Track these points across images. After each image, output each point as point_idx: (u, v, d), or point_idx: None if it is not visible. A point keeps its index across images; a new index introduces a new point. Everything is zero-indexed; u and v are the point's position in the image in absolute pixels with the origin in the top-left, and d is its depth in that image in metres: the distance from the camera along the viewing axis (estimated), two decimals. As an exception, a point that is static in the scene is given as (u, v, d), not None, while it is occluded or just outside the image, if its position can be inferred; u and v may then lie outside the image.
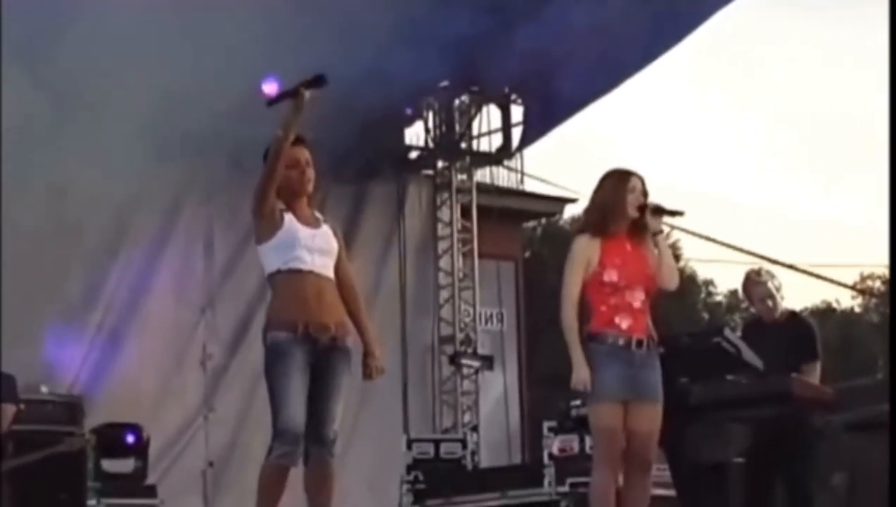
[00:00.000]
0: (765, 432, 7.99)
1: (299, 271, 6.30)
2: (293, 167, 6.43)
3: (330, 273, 6.40)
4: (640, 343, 6.46)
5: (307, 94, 6.23)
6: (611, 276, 6.48)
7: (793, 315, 8.45)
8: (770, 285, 8.32)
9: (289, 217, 6.36)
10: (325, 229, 6.47)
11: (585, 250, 6.54)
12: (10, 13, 10.78)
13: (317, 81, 6.30)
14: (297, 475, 6.24)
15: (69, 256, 12.78)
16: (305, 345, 6.23)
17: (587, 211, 6.84)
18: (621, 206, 6.54)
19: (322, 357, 6.27)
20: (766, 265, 9.05)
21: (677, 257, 30.84)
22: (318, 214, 6.54)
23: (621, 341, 6.44)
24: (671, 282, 6.64)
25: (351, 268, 6.60)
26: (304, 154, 6.47)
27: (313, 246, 6.36)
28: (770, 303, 8.30)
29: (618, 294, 6.48)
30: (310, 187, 6.46)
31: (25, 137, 11.58)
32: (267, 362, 6.23)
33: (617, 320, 6.46)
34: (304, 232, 6.36)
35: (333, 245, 6.45)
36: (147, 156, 11.82)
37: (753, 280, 8.39)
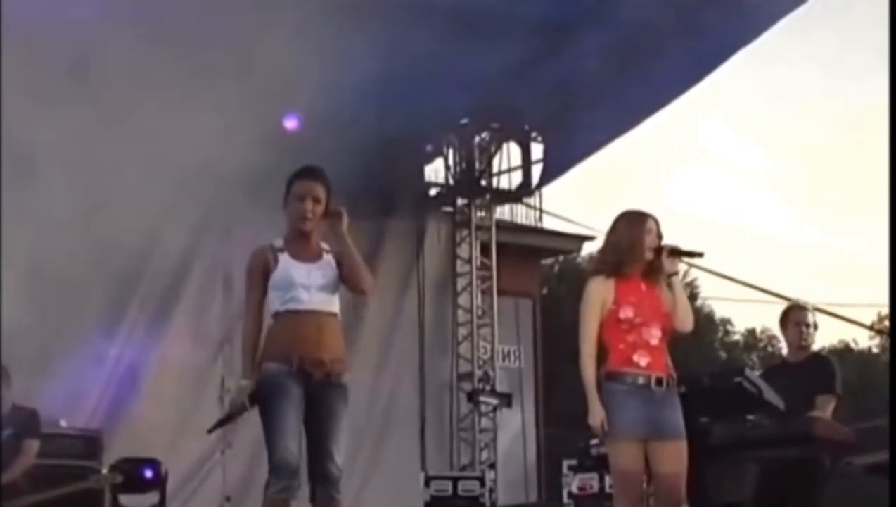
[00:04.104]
0: (779, 471, 7.97)
1: (297, 312, 6.31)
2: (299, 200, 6.42)
3: (332, 307, 6.39)
4: (659, 381, 6.44)
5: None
6: (626, 313, 6.47)
7: (815, 356, 8.48)
8: (809, 314, 8.37)
9: (283, 257, 6.35)
10: (327, 260, 6.44)
11: (600, 291, 6.53)
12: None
13: None
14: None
15: (89, 290, 12.79)
16: (299, 379, 6.21)
17: (602, 251, 6.83)
18: (638, 248, 6.53)
19: (316, 393, 6.25)
20: (785, 304, 9.03)
21: (694, 296, 30.85)
22: (323, 245, 6.51)
23: (641, 380, 6.41)
24: (686, 324, 6.61)
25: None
26: (313, 189, 6.44)
27: (310, 283, 6.34)
28: (803, 329, 8.33)
29: (634, 331, 6.47)
30: (308, 226, 6.42)
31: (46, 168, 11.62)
32: (260, 394, 6.21)
33: (635, 358, 6.44)
34: (298, 270, 6.34)
35: (329, 278, 6.42)
36: (167, 193, 11.85)
37: (798, 305, 8.45)
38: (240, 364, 6.34)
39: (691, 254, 6.70)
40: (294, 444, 6.16)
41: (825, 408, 7.99)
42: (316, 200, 6.41)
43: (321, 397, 6.26)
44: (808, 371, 8.21)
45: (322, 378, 6.26)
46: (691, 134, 46.90)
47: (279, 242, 6.42)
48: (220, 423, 6.40)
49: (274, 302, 6.34)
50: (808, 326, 8.37)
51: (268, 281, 6.35)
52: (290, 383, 6.20)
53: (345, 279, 6.50)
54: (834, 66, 48.18)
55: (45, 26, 10.36)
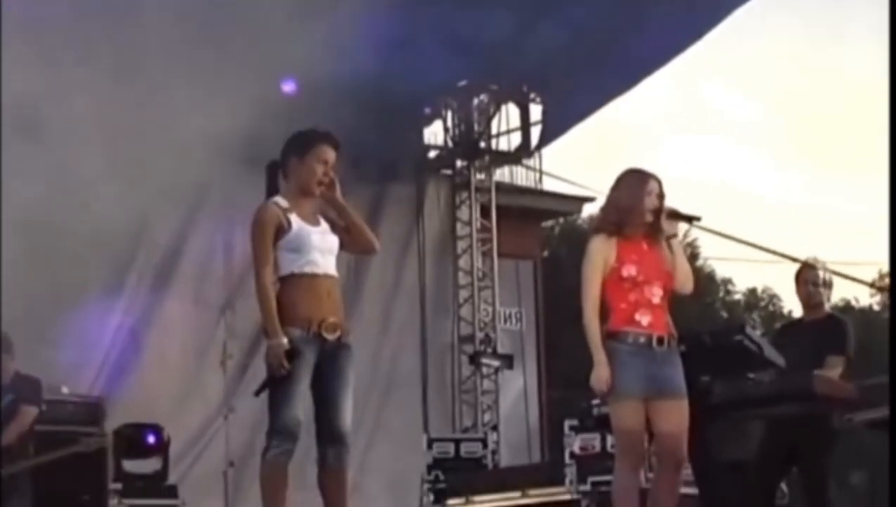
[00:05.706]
0: (784, 429, 7.99)
1: (314, 275, 6.32)
2: (321, 163, 6.43)
3: (335, 272, 6.44)
4: (660, 340, 6.45)
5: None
6: (629, 271, 6.48)
7: (829, 316, 8.45)
8: (821, 273, 8.36)
9: (296, 220, 6.35)
10: (325, 226, 6.48)
11: (601, 249, 6.53)
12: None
13: None
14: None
15: (90, 256, 12.78)
16: (314, 344, 6.24)
17: (603, 210, 6.82)
18: (638, 209, 6.53)
19: (328, 356, 6.29)
20: (786, 263, 9.04)
21: (695, 256, 30.83)
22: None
23: (642, 339, 6.42)
24: (686, 286, 6.62)
25: None
26: (333, 156, 6.46)
27: (324, 247, 6.39)
28: (812, 289, 8.33)
29: (637, 290, 6.48)
30: (320, 190, 6.45)
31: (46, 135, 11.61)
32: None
33: (637, 316, 6.45)
34: (313, 233, 6.37)
35: (336, 243, 6.48)
36: (167, 157, 11.84)
37: (808, 264, 8.44)
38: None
39: (689, 218, 6.71)
40: (301, 410, 6.22)
41: (833, 368, 7.99)
42: (332, 167, 6.44)
43: (334, 359, 6.32)
44: (821, 331, 8.21)
45: (335, 341, 6.30)
46: (690, 94, 46.78)
47: (283, 202, 6.41)
48: (264, 386, 6.36)
49: (287, 264, 6.33)
50: (815, 285, 8.36)
51: (278, 240, 6.33)
52: (307, 348, 6.22)
53: (351, 244, 6.58)
54: (835, 29, 47.98)
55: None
